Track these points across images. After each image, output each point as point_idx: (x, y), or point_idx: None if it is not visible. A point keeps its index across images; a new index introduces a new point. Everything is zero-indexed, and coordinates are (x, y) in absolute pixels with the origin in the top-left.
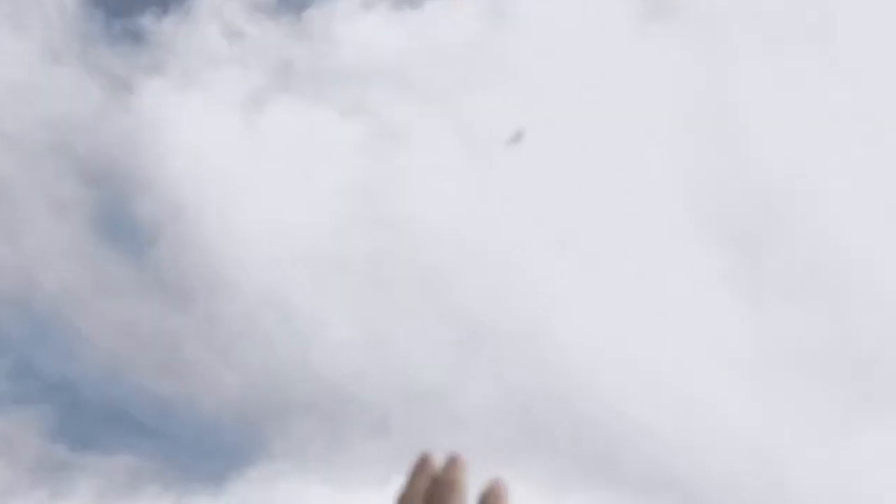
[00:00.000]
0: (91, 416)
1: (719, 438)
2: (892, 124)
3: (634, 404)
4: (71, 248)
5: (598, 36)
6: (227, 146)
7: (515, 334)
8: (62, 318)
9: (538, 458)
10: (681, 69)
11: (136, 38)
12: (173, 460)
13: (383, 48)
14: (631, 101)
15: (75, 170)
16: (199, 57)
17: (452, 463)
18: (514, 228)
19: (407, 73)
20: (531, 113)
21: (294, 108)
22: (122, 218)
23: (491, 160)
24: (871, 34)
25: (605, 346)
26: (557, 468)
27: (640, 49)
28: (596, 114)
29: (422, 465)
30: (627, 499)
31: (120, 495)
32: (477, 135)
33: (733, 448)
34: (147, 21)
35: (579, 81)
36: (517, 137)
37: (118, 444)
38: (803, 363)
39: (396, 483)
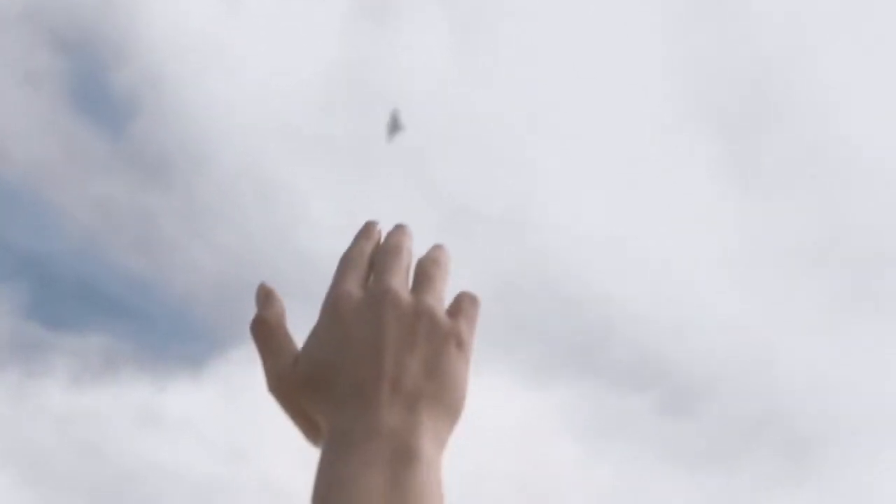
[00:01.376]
0: (65, 294)
1: (710, 327)
2: None
3: (623, 292)
4: (43, 121)
5: None
6: (209, 14)
7: (501, 217)
8: (35, 192)
9: (523, 346)
10: None
11: None
12: (150, 341)
13: None
14: None
15: (48, 39)
16: None
17: (397, 228)
18: (499, 109)
19: None
20: None
21: None
22: (98, 89)
23: (478, 38)
24: None
25: (592, 231)
26: (543, 357)
27: None
28: None
29: (367, 230)
30: (615, 389)
31: (96, 376)
32: (465, 12)
33: (724, 338)
34: None
35: None
36: (394, 126)
37: (93, 323)
38: (796, 252)
39: None
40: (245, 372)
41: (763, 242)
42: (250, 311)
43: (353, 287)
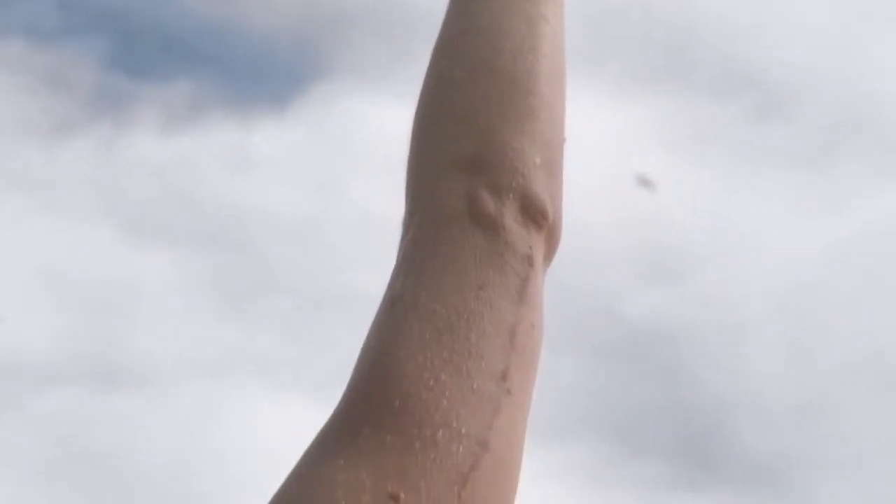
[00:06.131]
0: (146, 44)
1: (797, 32)
2: None
3: None
4: None
5: None
6: None
7: None
8: None
9: (608, 63)
10: None
11: None
12: (233, 84)
13: None
14: None
15: None
16: None
17: None
18: None
19: None
20: None
21: None
22: None
23: None
24: None
25: None
26: (629, 73)
27: None
28: None
29: None
30: (703, 99)
31: (183, 122)
32: None
33: (812, 42)
34: None
35: None
36: None
37: (176, 70)
38: None
39: None
40: (330, 107)
41: None
42: (329, 46)
43: None
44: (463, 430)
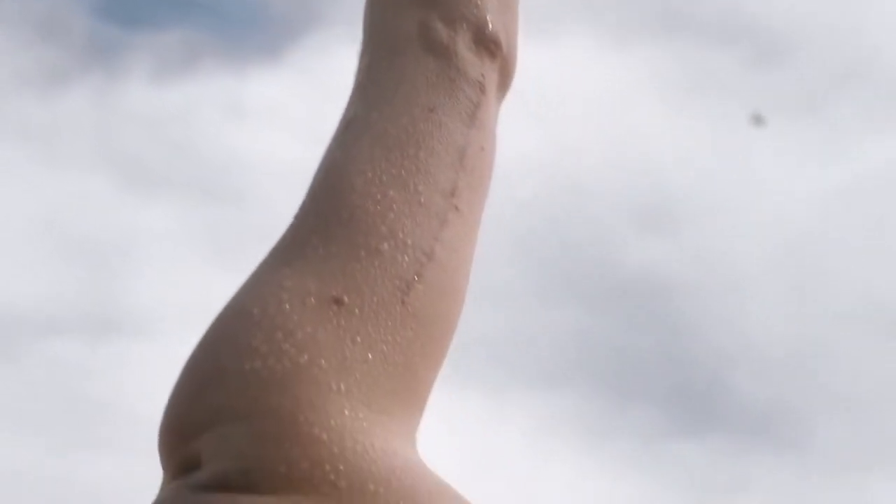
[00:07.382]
0: None
1: None
2: None
3: None
4: None
5: None
6: None
7: None
8: None
9: (605, 7)
10: None
11: None
12: (228, 33)
13: None
14: None
15: None
16: None
17: None
18: None
19: None
20: None
21: None
22: None
23: None
24: None
25: None
26: (622, 20)
27: None
28: None
29: None
30: (700, 46)
31: (177, 71)
32: None
33: None
34: None
35: None
36: None
37: (169, 19)
38: None
39: None
40: (325, 55)
41: None
42: None
43: None
44: (409, 242)
